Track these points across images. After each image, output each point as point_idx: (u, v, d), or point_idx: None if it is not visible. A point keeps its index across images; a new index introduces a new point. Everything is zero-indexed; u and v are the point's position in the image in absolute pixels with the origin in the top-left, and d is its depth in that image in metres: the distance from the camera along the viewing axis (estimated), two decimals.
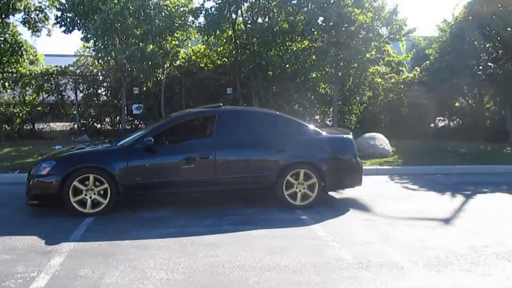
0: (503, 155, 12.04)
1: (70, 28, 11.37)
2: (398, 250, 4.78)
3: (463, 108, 15.75)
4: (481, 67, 15.12)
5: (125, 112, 12.58)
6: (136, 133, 6.94)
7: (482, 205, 6.93)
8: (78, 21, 11.36)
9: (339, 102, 14.32)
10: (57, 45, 60.15)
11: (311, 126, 6.87)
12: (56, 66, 13.32)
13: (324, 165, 6.52)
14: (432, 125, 16.55)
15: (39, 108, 13.36)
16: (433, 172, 9.99)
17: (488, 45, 14.27)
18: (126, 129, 12.62)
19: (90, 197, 5.98)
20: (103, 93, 13.97)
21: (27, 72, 12.87)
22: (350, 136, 6.93)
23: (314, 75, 14.07)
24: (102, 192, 6.03)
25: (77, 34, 44.95)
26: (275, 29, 12.25)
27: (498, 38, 13.71)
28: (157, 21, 10.73)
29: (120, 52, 10.86)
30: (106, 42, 10.75)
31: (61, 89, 13.40)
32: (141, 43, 10.97)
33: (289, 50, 13.19)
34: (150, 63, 11.02)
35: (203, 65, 14.65)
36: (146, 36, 10.75)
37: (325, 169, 6.51)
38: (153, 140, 6.02)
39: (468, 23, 14.10)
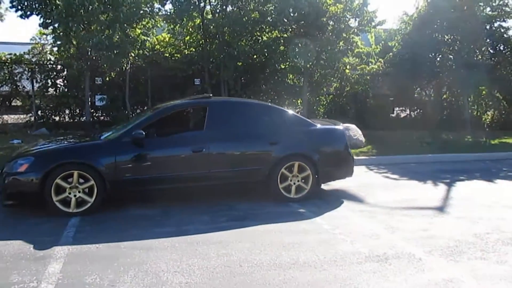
0: (466, 144, 12.55)
1: (28, 13, 10.49)
2: (408, 241, 4.76)
3: (423, 99, 16.30)
4: (439, 58, 15.71)
5: (89, 103, 11.83)
6: (121, 125, 6.48)
7: (466, 193, 7.10)
8: (37, 5, 10.49)
9: (307, 94, 14.32)
10: (7, 33, 55.79)
11: (304, 118, 6.73)
12: (10, 54, 12.28)
13: (318, 157, 6.41)
14: (392, 115, 17.05)
15: None
16: (407, 161, 10.21)
17: (447, 37, 14.80)
18: (91, 121, 11.91)
19: (75, 196, 5.50)
20: (61, 84, 13.06)
21: None
22: (342, 127, 6.87)
23: (283, 66, 13.96)
24: (87, 190, 5.56)
25: (33, 20, 41.80)
26: (245, 19, 11.97)
27: (458, 31, 14.23)
28: (124, 7, 10.10)
29: (85, 39, 10.15)
30: (69, 28, 9.99)
31: (15, 78, 12.37)
32: (107, 31, 10.30)
33: (259, 41, 12.96)
34: (116, 52, 10.37)
35: (167, 54, 14.12)
36: (112, 23, 10.11)
37: (319, 161, 6.40)
38: (143, 133, 5.63)
39: (430, 16, 14.55)
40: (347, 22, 12.49)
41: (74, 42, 10.64)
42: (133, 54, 11.15)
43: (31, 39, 13.08)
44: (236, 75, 12.90)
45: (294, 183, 6.34)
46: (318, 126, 6.71)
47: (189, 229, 5.08)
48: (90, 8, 9.63)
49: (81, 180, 5.53)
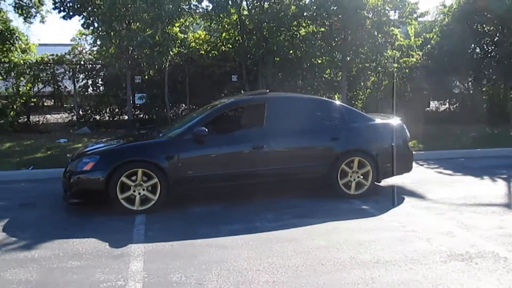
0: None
1: (71, 14, 10.60)
2: (487, 239, 4.58)
3: (462, 92, 15.86)
4: (478, 50, 15.27)
5: (131, 102, 11.92)
6: (179, 123, 6.47)
7: None
8: (79, 6, 10.59)
9: (346, 88, 14.10)
10: (46, 34, 56.72)
11: (363, 112, 6.59)
12: (52, 55, 12.47)
13: (378, 152, 6.28)
14: (428, 109, 16.67)
15: (34, 100, 12.49)
16: (455, 156, 9.94)
17: (489, 28, 14.35)
18: (132, 120, 12.01)
19: (139, 193, 5.52)
20: (101, 83, 13.21)
21: (21, 61, 11.97)
22: (401, 122, 6.71)
23: (319, 61, 13.77)
24: (150, 187, 5.57)
25: (70, 22, 42.46)
26: (282, 14, 11.84)
27: (502, 21, 13.76)
28: (166, 5, 10.11)
29: (128, 38, 10.20)
30: (112, 28, 10.06)
31: (58, 79, 12.56)
32: (148, 29, 10.33)
33: (298, 35, 12.82)
34: (159, 50, 10.40)
35: (203, 52, 14.11)
36: (154, 22, 10.13)
37: (379, 156, 6.27)
38: (206, 130, 5.59)
39: (470, 6, 14.11)
40: (387, 14, 12.21)
41: (116, 42, 10.70)
42: (173, 52, 11.13)
43: (71, 40, 13.29)
44: (274, 71, 12.78)
45: (354, 179, 6.23)
46: (377, 120, 6.57)
47: (256, 227, 5.03)
48: (133, 7, 9.65)
49: (145, 178, 5.53)
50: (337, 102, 6.68)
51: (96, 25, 10.48)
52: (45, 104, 13.05)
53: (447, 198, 6.27)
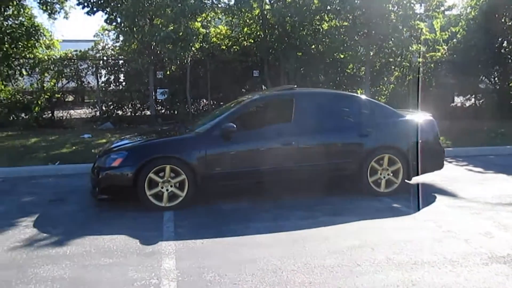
0: None
1: (94, 9, 10.64)
2: None
3: (489, 87, 15.46)
4: (506, 44, 14.86)
5: (153, 97, 11.93)
6: (206, 119, 6.41)
7: None
8: (102, 2, 10.62)
9: (369, 83, 13.88)
10: (68, 30, 57.50)
11: (393, 108, 6.42)
12: (76, 50, 12.56)
13: (408, 149, 6.12)
14: (452, 104, 16.32)
15: (58, 95, 12.61)
16: (484, 153, 9.68)
17: None
18: (155, 115, 12.02)
19: (167, 190, 5.48)
20: (123, 79, 13.24)
21: (45, 57, 12.09)
22: (432, 118, 6.52)
23: (342, 56, 13.57)
24: (177, 184, 5.52)
25: (93, 18, 42.87)
26: (306, 8, 11.66)
27: None
28: (189, 0, 10.05)
29: (151, 33, 10.19)
30: (135, 23, 10.05)
31: (81, 74, 12.65)
32: (171, 24, 10.29)
33: (320, 30, 12.63)
34: (182, 45, 10.36)
35: (224, 47, 14.03)
36: (178, 17, 10.08)
37: (409, 153, 6.10)
38: (235, 126, 5.51)
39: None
40: (412, 8, 11.93)
41: (138, 37, 10.69)
42: (195, 47, 11.09)
43: (94, 36, 13.35)
44: (296, 66, 12.64)
45: (384, 177, 6.09)
46: (408, 116, 6.39)
47: (286, 225, 4.94)
48: (156, 2, 9.61)
49: (172, 174, 5.49)
50: (366, 98, 6.51)
51: (119, 20, 10.46)
52: (69, 99, 13.12)
53: (481, 197, 6.08)
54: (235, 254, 4.10)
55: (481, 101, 15.68)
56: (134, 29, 10.54)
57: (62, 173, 7.88)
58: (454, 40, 14.73)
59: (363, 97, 6.53)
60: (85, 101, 13.59)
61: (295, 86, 6.60)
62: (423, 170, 6.41)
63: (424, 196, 6.11)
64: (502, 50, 14.53)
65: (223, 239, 4.50)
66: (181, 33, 10.02)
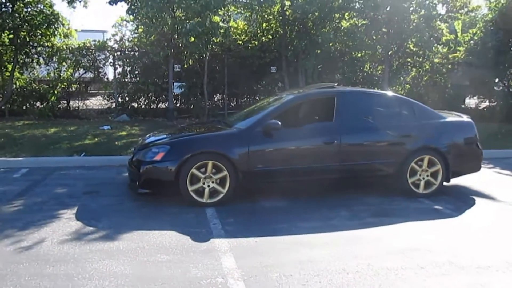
0: None
1: None
2: None
3: (504, 90, 15.41)
4: None
5: (172, 90, 11.80)
6: (244, 115, 6.33)
7: None
8: None
9: (381, 82, 13.81)
10: (79, 20, 56.56)
11: (433, 110, 6.36)
12: (94, 40, 12.40)
13: (448, 150, 6.07)
14: (463, 106, 16.29)
15: (75, 85, 12.46)
16: (507, 155, 9.66)
17: None
18: (173, 108, 11.91)
19: (208, 186, 5.40)
20: (139, 71, 13.08)
21: (63, 46, 11.92)
22: (471, 120, 6.47)
23: (360, 55, 13.49)
24: (219, 180, 5.44)
25: (105, 9, 42.38)
26: (330, 5, 11.56)
27: None
28: None
29: (173, 26, 10.05)
30: (160, 15, 9.92)
31: (99, 65, 12.50)
32: (196, 17, 10.16)
33: (342, 27, 12.54)
34: (206, 39, 10.24)
35: (240, 42, 13.90)
36: (203, 9, 9.96)
37: (449, 155, 6.06)
38: (279, 123, 5.43)
39: None
40: (435, 8, 11.85)
41: (162, 29, 10.55)
42: (217, 41, 10.97)
43: (112, 26, 13.19)
44: (315, 63, 12.54)
45: (423, 178, 6.03)
46: (448, 118, 6.34)
47: (335, 224, 4.88)
48: None
49: (213, 170, 5.40)
50: (408, 98, 6.45)
51: (142, 11, 10.31)
52: (86, 90, 12.97)
53: None
54: (294, 254, 4.03)
55: (495, 103, 15.63)
56: (157, 20, 10.39)
57: (88, 165, 7.78)
58: (471, 41, 14.66)
59: (405, 97, 6.47)
60: (101, 92, 13.40)
61: (335, 84, 6.51)
62: (461, 172, 6.39)
63: (462, 199, 6.09)
64: None
65: (276, 238, 4.43)
66: (207, 26, 9.88)
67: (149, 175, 5.42)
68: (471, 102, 16.39)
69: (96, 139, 9.27)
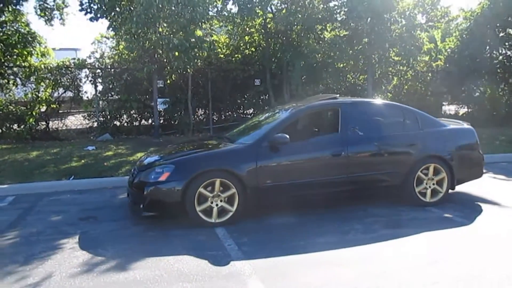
0: None
1: (98, 16, 10.21)
2: None
3: (482, 95, 15.83)
4: (498, 54, 15.31)
5: (157, 107, 11.52)
6: (246, 129, 6.17)
7: None
8: (106, 8, 10.22)
9: (365, 92, 13.94)
10: (54, 38, 54.79)
11: (435, 118, 6.38)
12: (73, 58, 12.00)
13: (452, 158, 6.07)
14: (442, 112, 16.64)
15: (54, 106, 11.99)
16: (496, 160, 9.77)
17: (510, 32, 14.38)
18: (159, 125, 11.61)
19: (216, 205, 5.18)
20: (120, 88, 12.71)
21: (41, 65, 11.48)
22: (472, 127, 6.52)
23: (342, 65, 13.59)
24: (227, 198, 5.24)
25: (79, 26, 41.75)
26: (314, 16, 11.62)
27: None
28: (200, 7, 9.79)
29: (157, 42, 9.84)
30: (144, 30, 9.70)
31: (80, 83, 12.10)
32: (181, 32, 9.99)
33: (325, 38, 12.61)
34: (192, 53, 10.07)
35: (222, 56, 13.77)
36: (188, 24, 9.80)
37: (453, 162, 6.06)
38: (288, 137, 5.29)
39: (493, 11, 14.09)
40: (416, 18, 12.09)
41: (145, 44, 10.31)
42: (202, 55, 10.80)
43: (92, 43, 12.84)
44: (300, 74, 12.53)
45: (430, 187, 6.00)
46: (450, 126, 6.36)
47: (352, 239, 4.75)
48: (169, 9, 9.31)
49: (221, 188, 5.20)
50: (410, 107, 6.44)
51: (125, 27, 10.06)
52: (65, 110, 12.49)
53: None
54: (320, 273, 3.86)
55: (473, 109, 16.03)
56: (140, 36, 10.15)
57: (78, 188, 7.41)
58: (448, 50, 15.04)
59: (407, 107, 6.45)
60: (81, 111, 12.94)
61: (337, 95, 6.44)
62: (465, 179, 6.39)
63: (468, 205, 6.10)
64: (495, 61, 14.93)
65: (297, 257, 4.26)
66: (193, 41, 9.72)
67: (154, 196, 5.16)
68: (450, 108, 16.73)
69: (83, 161, 8.88)
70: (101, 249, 4.56)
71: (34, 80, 11.47)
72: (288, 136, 5.29)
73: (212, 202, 5.17)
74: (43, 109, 11.86)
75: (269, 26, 13.00)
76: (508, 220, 5.43)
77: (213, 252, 4.40)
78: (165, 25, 10.07)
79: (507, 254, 4.29)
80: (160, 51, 10.41)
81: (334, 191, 5.68)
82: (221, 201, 5.20)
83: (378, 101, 7.03)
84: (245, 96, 13.76)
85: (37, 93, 11.56)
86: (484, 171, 8.43)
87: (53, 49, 12.28)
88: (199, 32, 11.09)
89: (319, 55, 12.89)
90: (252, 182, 5.26)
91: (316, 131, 6.11)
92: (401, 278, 3.74)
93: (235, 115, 14.03)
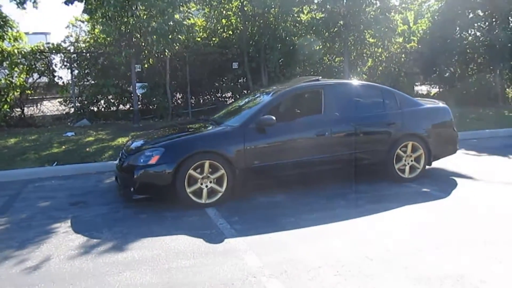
0: (511, 118, 12.65)
1: None
2: None
3: (453, 76, 16.35)
4: (468, 35, 15.79)
5: (136, 92, 11.43)
6: (232, 112, 6.27)
7: None
8: None
9: (341, 74, 14.20)
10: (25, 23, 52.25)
11: (412, 98, 6.64)
12: (48, 43, 11.72)
13: (429, 136, 6.37)
14: (414, 92, 17.12)
15: (29, 92, 11.73)
16: (467, 137, 10.16)
17: (480, 14, 14.82)
18: (138, 110, 11.53)
19: (206, 186, 5.31)
20: (97, 73, 12.54)
21: (14, 50, 11.17)
22: (446, 105, 6.82)
23: (318, 47, 13.75)
24: (216, 180, 5.37)
25: (52, 9, 39.87)
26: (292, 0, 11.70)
27: (492, 6, 14.24)
28: None
29: (134, 26, 9.74)
30: (121, 14, 9.57)
31: (55, 68, 11.84)
32: (160, 16, 9.90)
33: (302, 21, 12.71)
34: (171, 37, 10.02)
35: (199, 39, 13.70)
36: (168, 7, 9.72)
37: (430, 140, 6.36)
38: (274, 118, 5.44)
39: None
40: (389, 0, 12.33)
41: (122, 28, 10.18)
42: (182, 39, 10.74)
43: (66, 27, 12.54)
44: (278, 58, 12.64)
45: (408, 163, 6.29)
46: (426, 105, 6.64)
47: (340, 214, 4.98)
48: None
49: (210, 170, 5.33)
50: (389, 88, 6.67)
51: (101, 10, 9.89)
52: (40, 96, 12.23)
53: (497, 177, 6.44)
54: (313, 245, 4.07)
55: (444, 89, 16.55)
56: (117, 19, 10.01)
57: (63, 174, 7.38)
58: (421, 31, 15.41)
59: (386, 87, 6.69)
60: (57, 96, 12.70)
61: (319, 77, 6.60)
62: (440, 155, 6.72)
63: (444, 180, 6.43)
64: (465, 41, 15.39)
65: (289, 232, 4.45)
66: (172, 25, 9.66)
67: (145, 179, 5.24)
68: (422, 88, 17.20)
69: (63, 147, 8.80)
70: (95, 232, 4.63)
71: (7, 65, 11.15)
72: (274, 118, 5.44)
73: (201, 184, 5.29)
74: (18, 95, 11.58)
75: (246, 9, 12.99)
76: (480, 192, 5.77)
77: (206, 231, 4.55)
78: (142, 8, 9.93)
79: (480, 222, 4.60)
80: (138, 35, 10.29)
81: (319, 170, 5.89)
82: (210, 182, 5.33)
83: (359, 82, 7.24)
84: (223, 80, 13.78)
85: (11, 79, 11.26)
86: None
87: (26, 33, 11.96)
88: (177, 16, 11.03)
89: (296, 38, 13.00)
90: (240, 163, 5.41)
91: (300, 113, 6.28)
92: (387, 246, 3.99)
93: (213, 99, 14.06)
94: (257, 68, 13.17)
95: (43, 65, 11.72)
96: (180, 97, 13.79)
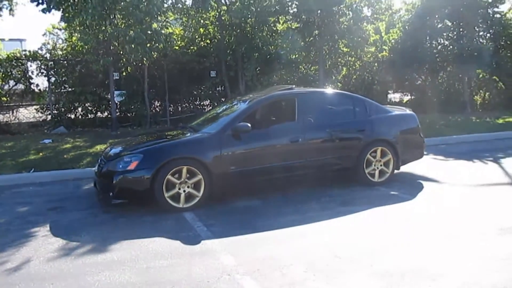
0: (478, 124, 13.20)
1: (51, 7, 10.05)
2: None
3: (423, 84, 16.93)
4: (436, 44, 16.41)
5: (114, 99, 11.50)
6: (209, 119, 6.47)
7: None
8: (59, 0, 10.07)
9: (317, 82, 14.57)
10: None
11: (381, 105, 6.96)
12: (24, 50, 11.70)
13: (397, 141, 6.70)
14: (388, 100, 17.65)
15: (5, 99, 11.66)
16: (435, 143, 10.61)
17: (450, 24, 15.45)
18: (116, 118, 11.59)
19: (184, 191, 5.48)
20: (74, 80, 12.55)
21: None
22: (413, 112, 7.18)
23: (294, 56, 14.10)
24: (193, 185, 5.55)
25: (28, 16, 39.13)
26: (268, 10, 12.01)
27: (459, 17, 14.87)
28: (156, 0, 9.90)
29: (113, 34, 9.85)
30: (99, 23, 9.68)
31: (32, 75, 11.80)
32: (138, 25, 10.05)
33: (278, 31, 13.04)
34: (149, 46, 10.17)
35: (177, 47, 13.86)
36: (146, 16, 9.88)
37: (398, 145, 6.69)
38: (249, 125, 5.66)
39: (432, 3, 15.08)
40: (362, 11, 12.79)
41: (101, 37, 10.28)
42: (160, 47, 10.90)
43: (43, 34, 12.50)
44: (256, 66, 12.91)
45: (377, 168, 6.59)
46: (395, 112, 6.98)
47: (313, 216, 5.19)
48: (124, 1, 9.35)
49: (188, 175, 5.50)
50: (359, 96, 7.00)
51: (78, 19, 9.97)
52: (16, 104, 12.17)
53: (461, 180, 6.80)
54: (286, 245, 4.28)
55: (415, 97, 17.11)
56: (95, 28, 10.10)
57: (40, 181, 7.42)
58: (392, 41, 15.94)
59: (356, 95, 7.02)
60: (34, 104, 12.64)
61: (293, 86, 6.88)
62: (408, 160, 7.05)
63: (411, 183, 6.77)
64: (435, 50, 16.00)
65: (264, 233, 4.67)
66: (150, 33, 9.82)
67: (123, 184, 5.39)
68: (395, 96, 17.73)
69: (41, 154, 8.82)
70: (74, 235, 4.74)
71: None
72: (249, 125, 5.66)
73: (179, 188, 5.45)
74: None
75: (223, 18, 13.25)
76: (444, 194, 6.11)
77: (183, 233, 4.72)
78: (120, 17, 10.06)
79: (442, 221, 4.91)
80: (116, 44, 10.40)
81: (293, 175, 6.13)
82: (188, 187, 5.50)
83: (331, 91, 7.55)
84: (201, 88, 13.95)
85: None
86: (425, 152, 9.41)
87: (2, 39, 11.92)
88: (155, 25, 11.19)
89: (272, 47, 13.31)
90: (217, 168, 5.60)
91: (275, 120, 6.53)
92: (356, 245, 4.24)
93: (191, 107, 14.22)
94: (235, 77, 13.41)
95: (19, 72, 11.69)
96: (158, 105, 13.90)
